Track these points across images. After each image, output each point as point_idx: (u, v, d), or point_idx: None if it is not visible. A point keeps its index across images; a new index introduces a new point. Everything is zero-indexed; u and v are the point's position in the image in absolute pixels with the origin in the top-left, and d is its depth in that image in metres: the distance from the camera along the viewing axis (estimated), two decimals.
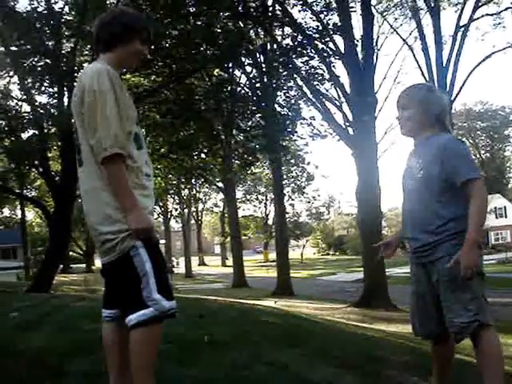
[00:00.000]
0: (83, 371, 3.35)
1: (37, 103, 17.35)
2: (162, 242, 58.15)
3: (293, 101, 23.69)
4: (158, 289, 2.53)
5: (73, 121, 2.75)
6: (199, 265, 66.55)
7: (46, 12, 15.74)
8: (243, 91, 24.83)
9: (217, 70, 22.71)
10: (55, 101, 17.01)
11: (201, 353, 4.14)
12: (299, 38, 18.69)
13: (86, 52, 17.21)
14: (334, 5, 17.85)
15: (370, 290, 16.54)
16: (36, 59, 16.43)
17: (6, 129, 18.14)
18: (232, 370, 3.64)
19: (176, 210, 53.88)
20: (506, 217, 63.32)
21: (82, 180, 2.72)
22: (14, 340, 4.48)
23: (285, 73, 22.30)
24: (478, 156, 72.40)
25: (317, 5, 18.46)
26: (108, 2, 15.84)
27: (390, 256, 3.36)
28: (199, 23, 17.33)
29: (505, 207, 64.40)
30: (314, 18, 18.34)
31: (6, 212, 54.51)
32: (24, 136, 18.76)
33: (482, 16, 20.51)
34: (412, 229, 3.09)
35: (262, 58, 24.48)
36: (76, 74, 14.16)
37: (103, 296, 2.82)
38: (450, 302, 2.89)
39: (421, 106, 3.08)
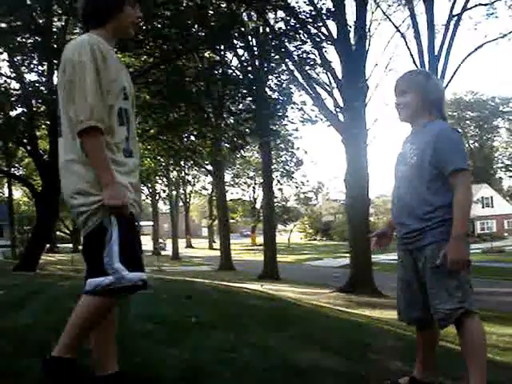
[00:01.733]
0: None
1: (26, 81, 17.18)
2: (150, 223, 58.15)
3: (284, 85, 23.62)
4: (120, 258, 2.50)
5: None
6: (186, 247, 66.59)
7: None
8: (234, 74, 24.71)
9: (208, 52, 22.58)
10: (44, 79, 16.85)
11: (187, 334, 4.16)
12: (292, 21, 18.59)
13: (77, 30, 17.03)
14: None
15: (355, 275, 16.68)
16: (26, 36, 16.24)
17: None
18: (218, 352, 3.66)
19: (164, 191, 53.77)
20: (492, 207, 63.86)
21: (59, 152, 2.70)
22: (0, 318, 4.48)
23: (276, 57, 22.22)
24: (466, 145, 72.70)
25: None
26: None
27: (388, 244, 3.39)
28: (192, 4, 17.20)
29: (491, 197, 64.91)
30: (307, 2, 18.24)
31: None
32: (12, 114, 18.60)
33: (476, 6, 20.44)
34: (400, 214, 3.11)
35: (254, 41, 24.37)
36: None
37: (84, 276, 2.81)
38: (435, 289, 2.91)
39: (419, 92, 3.09)
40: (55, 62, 15.52)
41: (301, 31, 18.46)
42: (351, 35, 17.51)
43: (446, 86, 19.20)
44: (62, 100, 2.64)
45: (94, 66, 2.53)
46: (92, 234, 2.58)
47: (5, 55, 17.50)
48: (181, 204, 60.92)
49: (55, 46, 15.66)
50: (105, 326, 2.74)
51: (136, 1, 2.83)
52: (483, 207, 61.99)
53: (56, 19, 16.85)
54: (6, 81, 18.77)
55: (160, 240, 58.86)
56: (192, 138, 27.15)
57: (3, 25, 15.78)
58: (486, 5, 21.24)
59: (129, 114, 2.74)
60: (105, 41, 2.70)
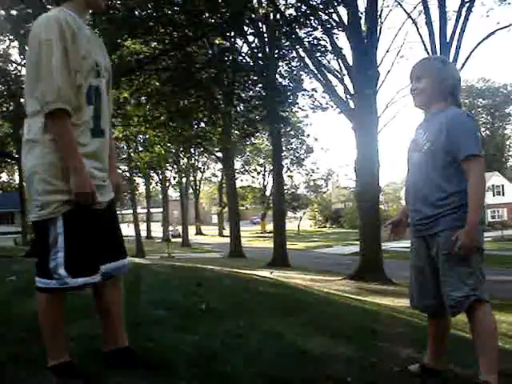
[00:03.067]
0: (81, 334, 3.38)
1: None
2: (160, 210, 58.21)
3: (294, 72, 23.54)
4: (66, 264, 2.49)
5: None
6: (196, 234, 66.82)
7: None
8: (245, 61, 24.62)
9: (218, 39, 22.49)
10: None
11: (197, 320, 4.18)
12: (303, 8, 18.49)
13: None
14: None
15: (365, 263, 16.65)
16: None
17: (5, 93, 18.03)
18: (228, 338, 3.68)
19: (174, 178, 53.85)
20: (503, 195, 63.56)
21: (24, 130, 2.62)
22: (11, 304, 4.51)
23: (287, 43, 22.12)
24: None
25: None
26: None
27: (403, 234, 3.38)
28: None
29: (502, 185, 64.58)
30: None
31: (4, 177, 54.52)
32: (23, 100, 18.67)
33: None
34: (414, 201, 3.10)
35: (264, 27, 24.26)
36: None
37: None
38: (448, 276, 2.91)
39: (434, 77, 3.07)
40: None
41: (312, 17, 18.36)
42: (362, 22, 17.39)
43: None
44: (28, 80, 2.57)
45: (62, 44, 2.45)
46: (35, 225, 2.57)
47: (15, 42, 17.54)
48: (191, 191, 61.04)
49: None
50: (106, 307, 2.83)
51: None
52: (494, 195, 61.67)
53: None
54: (16, 67, 18.85)
55: (171, 228, 58.98)
56: (202, 124, 27.10)
57: (14, 12, 15.78)
58: None
59: (100, 91, 2.66)
60: (77, 14, 2.63)
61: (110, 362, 2.83)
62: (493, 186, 61.84)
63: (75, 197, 2.46)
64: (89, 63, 2.58)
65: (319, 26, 18.50)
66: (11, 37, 17.59)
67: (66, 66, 2.45)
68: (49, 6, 16.10)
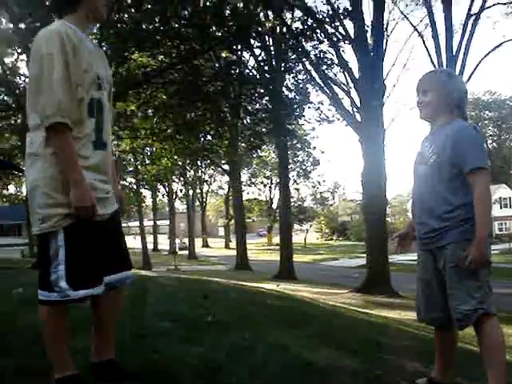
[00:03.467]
0: (84, 346, 3.38)
1: None
2: (166, 222, 58.19)
3: (301, 85, 23.57)
4: (67, 277, 2.49)
5: None
6: (203, 246, 66.78)
7: None
8: (251, 74, 24.70)
9: (225, 52, 22.59)
10: None
11: (203, 332, 4.17)
12: (309, 21, 18.57)
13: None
14: None
15: (372, 276, 16.60)
16: None
17: (14, 106, 18.12)
18: (235, 350, 3.66)
19: (181, 191, 53.92)
20: (510, 207, 63.25)
21: (26, 144, 2.60)
22: (18, 315, 4.52)
23: (293, 56, 22.19)
24: (484, 146, 72.18)
25: None
26: None
27: (410, 246, 3.37)
28: (209, 4, 17.22)
29: (510, 198, 64.30)
30: (325, 1, 18.21)
31: (12, 189, 54.65)
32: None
33: (494, 5, 20.28)
34: (420, 214, 3.09)
35: (271, 41, 24.35)
36: None
37: None
38: (455, 289, 2.89)
39: (440, 91, 3.07)
40: None
41: (318, 31, 18.43)
42: (369, 35, 17.45)
43: None
44: (30, 93, 2.56)
45: (63, 57, 2.44)
46: (37, 238, 2.58)
47: (24, 55, 17.66)
48: (197, 203, 61.09)
49: None
50: (104, 319, 2.84)
51: None
52: (501, 208, 61.37)
53: None
54: (25, 81, 18.96)
55: (177, 240, 58.93)
56: (209, 137, 27.18)
57: (22, 25, 15.90)
58: (504, 4, 21.08)
59: (102, 103, 2.66)
60: (79, 27, 2.63)
61: (98, 373, 2.83)
62: (500, 198, 61.59)
63: (75, 210, 2.46)
64: (90, 76, 2.58)
65: (325, 39, 18.56)
66: (19, 50, 17.69)
67: (66, 80, 2.45)
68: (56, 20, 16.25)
